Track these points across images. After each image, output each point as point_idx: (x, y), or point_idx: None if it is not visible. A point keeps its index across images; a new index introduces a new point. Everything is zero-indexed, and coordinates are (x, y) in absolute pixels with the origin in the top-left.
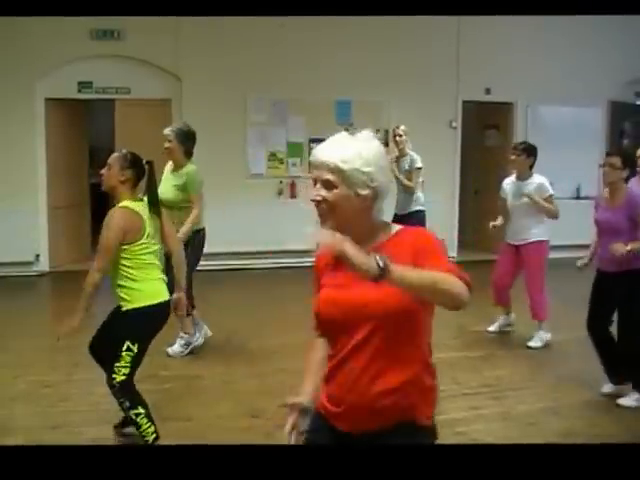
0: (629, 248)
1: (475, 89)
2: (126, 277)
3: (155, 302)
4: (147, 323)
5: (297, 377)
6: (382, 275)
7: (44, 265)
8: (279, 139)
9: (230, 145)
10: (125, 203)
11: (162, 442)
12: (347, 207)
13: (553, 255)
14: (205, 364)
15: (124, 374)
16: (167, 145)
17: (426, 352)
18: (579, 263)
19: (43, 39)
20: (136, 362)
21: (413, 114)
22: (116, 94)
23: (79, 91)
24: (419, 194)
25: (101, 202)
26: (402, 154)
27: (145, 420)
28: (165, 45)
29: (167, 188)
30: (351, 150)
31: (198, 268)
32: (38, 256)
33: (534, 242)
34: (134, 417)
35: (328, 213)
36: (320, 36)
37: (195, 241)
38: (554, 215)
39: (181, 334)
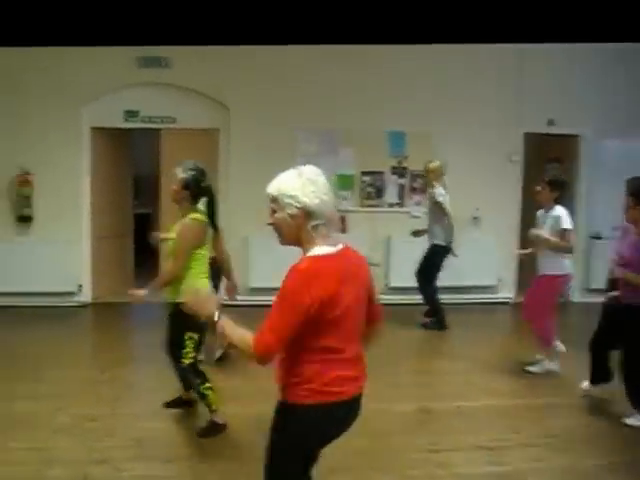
0: (625, 276)
1: (537, 121)
2: (193, 271)
3: None
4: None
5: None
6: (214, 324)
7: (86, 296)
8: (328, 171)
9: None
10: (193, 215)
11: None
12: (286, 226)
13: None
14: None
15: (191, 357)
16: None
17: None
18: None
19: (90, 66)
20: (198, 347)
21: (469, 146)
22: (162, 123)
23: (125, 120)
24: (437, 228)
25: (144, 233)
26: (428, 188)
27: (211, 392)
28: (212, 73)
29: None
30: (281, 181)
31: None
32: (80, 286)
33: (545, 276)
34: (204, 391)
35: (277, 232)
36: (371, 64)
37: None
38: (563, 250)
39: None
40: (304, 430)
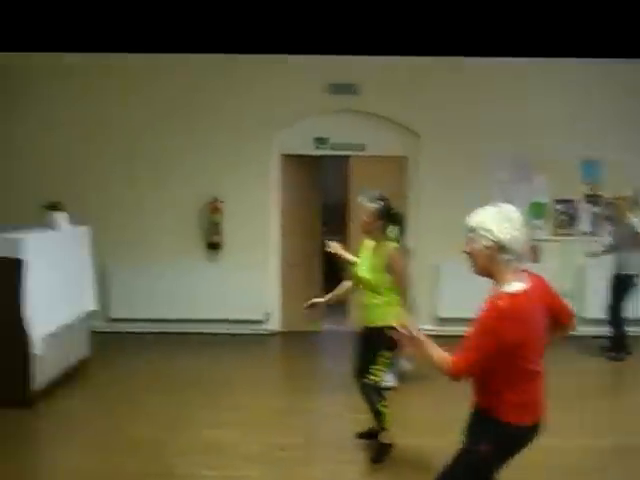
0: None
1: None
2: (387, 299)
3: None
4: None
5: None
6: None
7: (275, 324)
8: (522, 198)
9: (471, 204)
10: (393, 244)
11: None
12: (480, 256)
13: None
14: None
15: (379, 376)
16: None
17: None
18: None
19: (281, 94)
20: (387, 366)
21: None
22: (351, 151)
23: (315, 147)
24: (632, 258)
25: (332, 261)
26: (619, 219)
27: (388, 411)
28: (402, 100)
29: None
30: (480, 215)
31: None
32: (268, 314)
33: None
34: (382, 408)
35: (471, 261)
36: (565, 89)
37: None
38: None
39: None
40: (501, 445)
